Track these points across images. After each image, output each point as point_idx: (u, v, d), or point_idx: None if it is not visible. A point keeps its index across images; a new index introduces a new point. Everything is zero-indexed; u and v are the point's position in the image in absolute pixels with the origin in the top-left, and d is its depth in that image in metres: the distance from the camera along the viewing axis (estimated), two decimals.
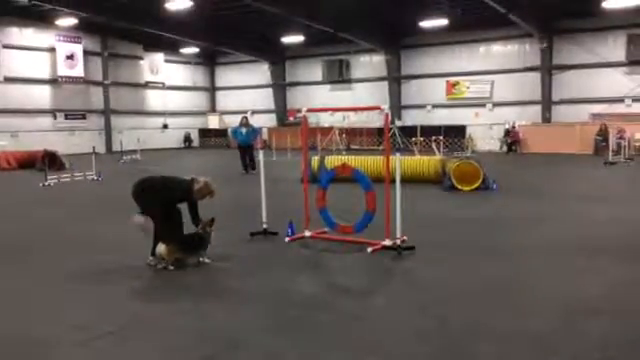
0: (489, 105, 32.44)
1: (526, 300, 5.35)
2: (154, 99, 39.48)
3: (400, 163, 7.42)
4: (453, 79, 33.21)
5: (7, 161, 22.45)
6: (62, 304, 5.40)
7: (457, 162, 13.73)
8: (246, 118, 19.44)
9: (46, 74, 33.36)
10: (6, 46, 31.13)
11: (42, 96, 33.34)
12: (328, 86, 37.43)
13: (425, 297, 5.41)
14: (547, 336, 4.42)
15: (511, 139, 29.62)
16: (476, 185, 13.01)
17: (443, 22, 28.58)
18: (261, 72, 39.85)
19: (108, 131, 36.31)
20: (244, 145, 18.59)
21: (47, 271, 6.43)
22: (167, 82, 39.67)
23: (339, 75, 36.52)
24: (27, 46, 32.37)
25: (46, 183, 15.76)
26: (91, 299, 5.54)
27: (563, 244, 7.56)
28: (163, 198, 6.57)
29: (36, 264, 6.69)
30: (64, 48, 33.70)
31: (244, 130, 18.68)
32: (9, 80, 31.23)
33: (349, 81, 36.72)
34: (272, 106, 39.87)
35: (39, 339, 4.49)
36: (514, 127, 29.93)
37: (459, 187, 13.00)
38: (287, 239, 7.82)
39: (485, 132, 31.74)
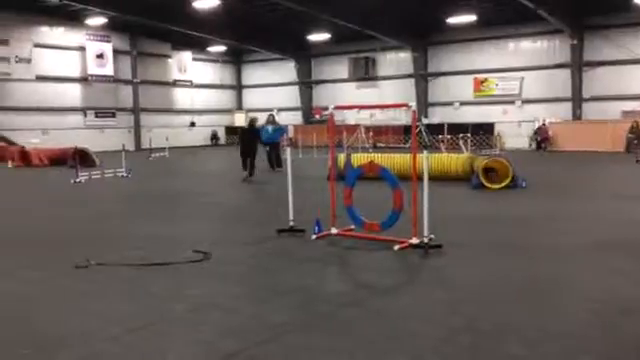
0: (518, 102, 32.02)
1: (558, 299, 5.26)
2: (182, 97, 39.91)
3: (427, 161, 7.35)
4: (481, 76, 32.86)
5: (39, 158, 22.92)
6: (94, 298, 5.49)
7: (485, 160, 13.58)
8: (272, 116, 19.50)
9: (76, 73, 33.97)
10: (37, 45, 31.78)
11: (73, 94, 33.97)
12: (354, 84, 37.36)
13: (453, 295, 5.36)
14: (580, 336, 4.34)
15: (541, 137, 29.18)
16: (505, 183, 12.84)
17: (471, 18, 28.28)
18: (287, 70, 39.95)
19: (137, 129, 36.83)
20: (270, 143, 18.65)
21: (78, 265, 6.53)
22: (195, 80, 40.06)
23: (365, 72, 36.41)
24: (58, 45, 33.01)
25: (77, 180, 16.04)
26: (123, 294, 5.62)
27: (595, 243, 7.41)
28: None
29: (68, 259, 6.81)
30: (94, 47, 34.27)
31: (270, 128, 18.74)
32: (41, 78, 31.89)
33: (375, 78, 36.59)
34: (298, 104, 39.96)
35: (70, 333, 4.56)
36: (544, 124, 29.48)
37: (488, 185, 12.85)
38: (314, 236, 7.82)
39: (514, 129, 31.33)
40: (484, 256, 6.87)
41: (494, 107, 32.47)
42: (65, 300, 5.44)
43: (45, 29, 32.60)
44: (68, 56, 33.52)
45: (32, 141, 27.88)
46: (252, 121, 17.36)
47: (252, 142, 16.35)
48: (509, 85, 32.23)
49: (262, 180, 16.34)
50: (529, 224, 9.00)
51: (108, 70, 35.05)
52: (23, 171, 21.16)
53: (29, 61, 31.30)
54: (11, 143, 27.68)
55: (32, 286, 5.92)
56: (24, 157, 23.02)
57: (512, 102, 32.16)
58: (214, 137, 41.24)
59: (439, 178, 13.31)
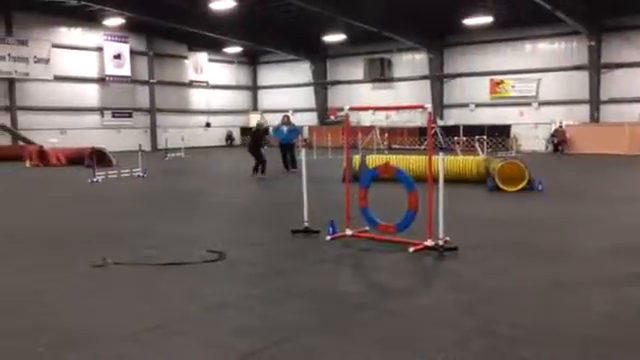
0: (535, 104, 31.77)
1: (574, 302, 5.21)
2: (198, 98, 40.13)
3: (443, 163, 7.32)
4: (497, 77, 32.65)
5: (57, 157, 23.16)
6: (110, 297, 5.53)
7: (501, 162, 13.49)
8: (287, 117, 19.54)
9: (94, 73, 34.30)
10: (56, 46, 32.15)
11: (90, 94, 34.31)
12: (369, 85, 37.31)
13: (469, 298, 5.33)
14: (596, 340, 4.30)
15: (558, 139, 28.93)
16: (521, 186, 12.75)
17: (488, 20, 28.12)
18: (303, 71, 40.02)
19: (153, 129, 37.10)
20: (285, 143, 18.69)
21: (95, 264, 6.59)
22: (210, 81, 40.26)
23: (381, 74, 36.33)
24: (76, 45, 33.36)
25: (94, 179, 16.19)
26: (139, 293, 5.66)
27: (612, 246, 7.33)
28: None
29: (85, 257, 6.88)
30: (111, 48, 34.58)
31: (285, 129, 18.79)
32: (59, 79, 32.25)
33: (391, 80, 36.50)
34: (313, 105, 40.00)
35: (86, 331, 4.60)
36: (561, 127, 29.22)
37: (504, 188, 12.76)
38: (328, 237, 7.82)
39: (530, 132, 31.09)
40: (500, 259, 6.83)
41: (510, 109, 32.24)
42: (81, 299, 5.50)
43: (63, 30, 32.97)
44: (86, 57, 33.86)
45: (50, 141, 28.17)
46: (259, 125, 18.29)
47: (257, 144, 17.27)
48: (526, 87, 31.99)
49: (277, 181, 16.38)
50: (545, 227, 8.93)
51: (125, 71, 35.34)
52: (41, 170, 21.40)
53: (47, 61, 31.68)
54: (29, 142, 28.03)
55: (49, 284, 5.98)
56: (42, 156, 23.28)
57: (529, 104, 31.91)
58: (229, 138, 41.40)
59: (454, 180, 13.25)
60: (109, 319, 4.88)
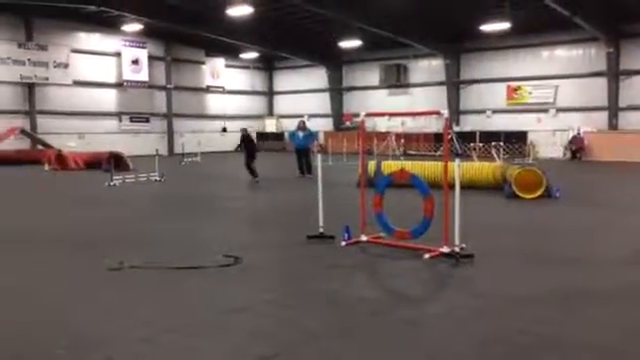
0: (552, 111, 31.49)
1: (592, 311, 5.15)
2: (214, 103, 40.36)
3: (459, 169, 7.28)
4: (515, 84, 32.44)
5: (75, 161, 23.41)
6: (126, 300, 5.58)
7: (519, 169, 13.39)
8: (303, 122, 19.60)
9: (112, 78, 34.64)
10: (75, 51, 32.54)
11: (108, 99, 34.65)
12: (385, 91, 37.27)
13: (485, 305, 5.29)
14: (615, 349, 4.25)
15: (575, 146, 28.65)
16: (538, 193, 12.64)
17: (505, 26, 27.95)
18: (318, 76, 40.09)
19: (170, 134, 37.36)
20: (301, 148, 18.73)
21: (112, 267, 6.65)
22: (227, 86, 40.47)
23: (397, 79, 36.26)
24: (94, 51, 33.73)
25: (111, 183, 16.35)
26: (155, 296, 5.70)
27: (632, 255, 7.24)
28: None
29: (102, 260, 6.94)
30: (129, 53, 34.92)
31: (301, 134, 18.84)
32: (77, 84, 32.62)
33: (407, 86, 36.43)
34: (329, 110, 40.02)
35: (103, 333, 4.65)
36: (579, 134, 28.93)
37: (521, 195, 12.66)
38: (343, 243, 7.82)
39: (548, 138, 30.81)
40: (517, 267, 6.77)
41: (527, 115, 32.00)
42: (99, 301, 5.55)
43: (82, 35, 33.37)
44: (104, 62, 34.22)
45: (68, 144, 28.53)
46: (244, 131, 19.12)
47: (248, 149, 18.08)
48: (543, 93, 31.74)
49: (292, 186, 16.42)
50: (563, 235, 8.84)
51: (143, 76, 35.66)
52: (59, 174, 21.64)
53: (66, 66, 32.08)
54: (48, 146, 28.37)
55: (67, 287, 6.05)
56: (60, 160, 23.54)
57: (546, 110, 31.65)
58: None
59: (470, 187, 13.18)
60: (126, 322, 4.92)
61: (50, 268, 6.86)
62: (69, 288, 6.00)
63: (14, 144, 28.52)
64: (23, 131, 29.44)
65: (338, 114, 39.63)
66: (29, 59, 30.64)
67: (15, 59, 30.14)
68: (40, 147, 29.23)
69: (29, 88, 31.17)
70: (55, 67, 31.60)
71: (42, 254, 7.67)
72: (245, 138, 18.42)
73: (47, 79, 31.46)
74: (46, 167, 23.43)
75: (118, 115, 35.11)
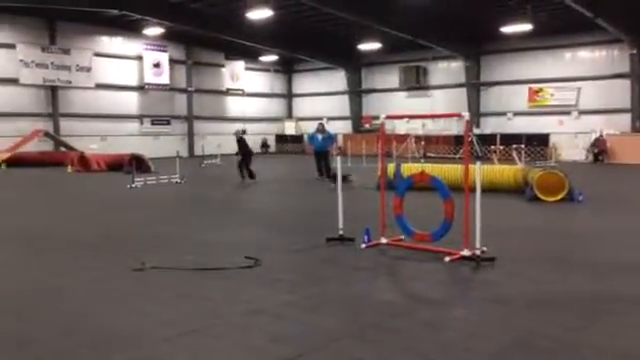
0: (574, 113, 31.15)
1: (617, 317, 5.08)
2: (234, 105, 40.62)
3: (480, 172, 7.24)
4: (536, 86, 32.15)
5: (97, 163, 23.72)
6: (148, 300, 5.64)
7: (540, 172, 13.26)
8: (322, 125, 19.58)
9: (134, 81, 35.05)
10: (97, 54, 33.01)
11: (130, 102, 35.06)
12: (404, 93, 37.19)
13: (507, 310, 5.25)
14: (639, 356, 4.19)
15: (598, 149, 28.28)
16: (561, 196, 12.50)
17: (526, 27, 27.71)
18: (337, 79, 40.13)
19: (191, 136, 37.67)
20: (320, 151, 18.74)
21: (134, 267, 6.73)
22: (246, 89, 40.71)
23: (416, 82, 36.16)
24: (116, 54, 34.19)
25: (133, 185, 16.53)
26: (176, 297, 5.75)
27: None
28: None
29: (124, 261, 7.02)
30: (151, 56, 35.31)
31: (320, 136, 18.85)
32: (100, 87, 33.08)
33: (426, 88, 36.32)
34: (348, 113, 40.04)
35: (125, 333, 4.70)
36: (601, 136, 28.55)
37: (542, 198, 12.54)
38: (363, 245, 7.81)
39: (570, 141, 30.47)
40: (538, 271, 6.70)
41: (549, 118, 31.69)
42: (121, 301, 5.61)
43: (105, 39, 33.82)
44: (126, 65, 34.65)
45: (91, 147, 28.91)
46: (236, 132, 19.31)
47: (242, 150, 18.51)
48: (565, 95, 31.41)
49: (311, 188, 16.44)
50: (586, 239, 8.74)
51: (164, 79, 36.03)
52: (82, 176, 21.94)
53: (89, 70, 32.54)
54: (71, 148, 28.78)
55: (90, 287, 6.13)
56: (83, 162, 23.87)
57: (568, 113, 31.31)
58: (264, 145, 41.74)
59: (491, 189, 13.08)
60: (147, 322, 4.97)
61: (73, 268, 6.95)
62: (92, 288, 6.08)
63: (38, 146, 29.02)
64: (47, 133, 29.92)
65: (357, 116, 39.61)
66: (52, 62, 31.15)
67: (39, 62, 30.65)
68: (63, 149, 29.67)
69: (52, 91, 31.68)
70: (78, 70, 32.07)
71: (64, 255, 7.78)
72: (240, 141, 18.77)
73: (70, 82, 31.93)
74: (69, 169, 23.78)
75: (139, 118, 35.50)
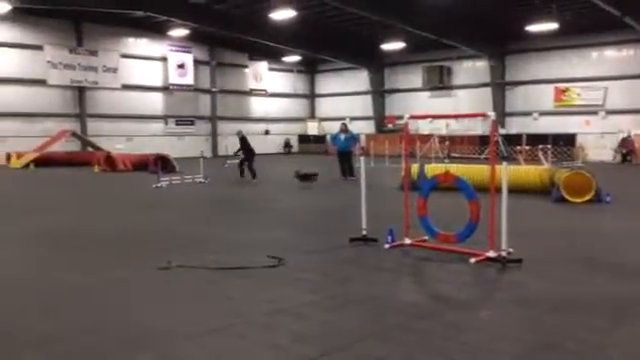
0: (602, 113, 30.64)
1: None
2: (257, 106, 40.82)
3: (506, 172, 7.15)
4: (562, 85, 31.70)
5: (123, 163, 24.03)
6: (174, 299, 5.69)
7: (567, 172, 13.06)
8: (345, 125, 19.56)
9: (159, 82, 35.44)
10: (123, 55, 33.45)
11: (155, 102, 35.48)
12: (427, 93, 36.97)
13: (534, 312, 5.17)
14: None
15: (626, 149, 27.77)
16: (588, 197, 12.30)
17: (552, 26, 27.35)
18: (360, 79, 40.06)
19: (214, 136, 37.96)
20: (343, 151, 18.72)
21: (160, 266, 6.79)
22: (270, 89, 40.87)
23: (440, 81, 35.93)
24: (142, 55, 34.61)
25: (158, 185, 16.71)
26: (201, 296, 5.79)
27: None
28: None
29: (150, 260, 7.09)
30: (175, 57, 35.67)
31: (343, 136, 18.83)
32: (126, 87, 33.51)
33: (450, 87, 36.05)
34: (370, 113, 39.95)
35: (151, 331, 4.75)
36: (629, 136, 28.03)
37: (569, 199, 12.35)
38: (387, 246, 7.78)
39: (597, 141, 29.98)
40: (566, 273, 6.60)
41: (576, 118, 31.22)
42: (147, 300, 5.67)
43: (131, 40, 34.26)
44: (151, 66, 35.05)
45: (117, 147, 29.30)
46: (238, 132, 19.41)
47: (244, 150, 18.77)
48: (592, 95, 30.91)
49: (334, 188, 16.44)
50: (613, 241, 8.58)
51: (188, 80, 36.36)
52: (108, 175, 22.25)
53: (115, 71, 32.99)
54: (98, 148, 29.20)
55: (116, 285, 6.21)
56: (109, 162, 24.21)
57: (595, 113, 30.80)
58: (287, 145, 41.86)
59: (516, 190, 12.91)
60: (172, 320, 5.02)
61: (99, 266, 7.04)
62: (118, 286, 6.15)
63: (65, 146, 29.51)
64: (74, 134, 30.40)
65: (380, 116, 39.50)
66: (79, 64, 31.65)
67: (66, 64, 31.19)
68: (90, 149, 30.12)
69: (79, 92, 32.18)
70: (104, 71, 32.54)
71: (91, 253, 7.89)
72: (242, 141, 18.89)
73: (97, 83, 32.41)
74: (96, 169, 24.13)
75: (164, 118, 35.89)
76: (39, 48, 30.31)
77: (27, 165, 26.09)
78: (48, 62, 30.57)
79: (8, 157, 27.45)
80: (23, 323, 5.00)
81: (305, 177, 17.03)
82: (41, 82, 30.40)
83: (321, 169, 23.76)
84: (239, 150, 18.91)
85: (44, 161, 26.28)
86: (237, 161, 19.24)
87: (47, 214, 11.82)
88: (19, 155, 26.97)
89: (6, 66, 29.46)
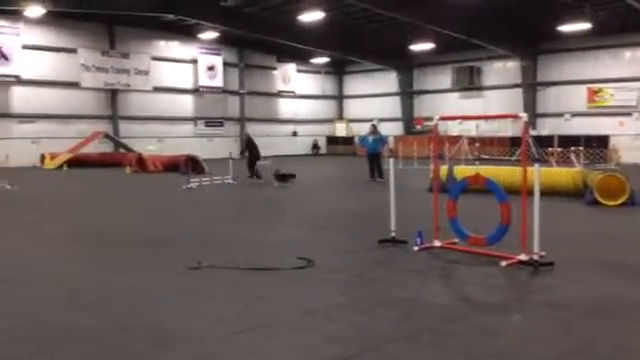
0: (636, 114, 29.97)
1: None
2: (285, 107, 41.00)
3: (539, 174, 7.05)
4: (595, 86, 31.10)
5: (154, 164, 24.37)
6: (204, 298, 5.75)
7: (601, 175, 12.81)
8: (374, 126, 19.48)
9: (189, 84, 35.86)
10: (154, 58, 33.94)
11: (185, 105, 35.91)
12: (457, 94, 36.65)
13: (567, 316, 5.10)
14: None
15: None
16: (621, 200, 12.05)
17: (585, 26, 26.86)
18: (389, 80, 39.92)
19: (243, 137, 38.17)
20: (371, 153, 18.66)
21: (191, 266, 6.87)
22: (298, 91, 41.00)
23: (469, 82, 35.58)
24: (173, 58, 35.08)
25: (188, 185, 16.91)
26: (232, 296, 5.84)
27: None
28: None
29: (181, 259, 7.18)
30: (205, 60, 36.05)
31: (371, 138, 18.79)
32: (157, 90, 33.98)
33: (480, 88, 35.68)
34: (399, 114, 39.77)
35: (183, 330, 4.81)
36: None
37: (602, 202, 12.11)
38: (416, 248, 7.74)
39: (631, 143, 29.31)
40: (599, 277, 6.48)
41: (609, 119, 30.58)
42: (178, 299, 5.75)
43: (162, 43, 34.74)
44: (182, 68, 35.50)
45: (148, 148, 29.74)
46: (244, 134, 20.45)
47: (251, 152, 19.45)
48: (626, 96, 30.24)
49: (362, 190, 16.42)
50: None
51: (218, 82, 36.72)
52: (140, 176, 22.59)
53: (147, 73, 33.50)
54: (129, 150, 29.68)
55: (148, 284, 6.31)
56: (141, 163, 24.58)
57: (629, 114, 30.13)
58: (315, 147, 41.93)
59: (548, 192, 12.71)
60: (203, 319, 5.08)
61: (131, 266, 7.17)
62: (149, 285, 6.25)
63: (97, 147, 30.07)
64: (106, 135, 30.95)
65: (408, 118, 39.29)
66: (112, 66, 32.22)
67: (99, 66, 31.78)
68: (122, 150, 30.63)
69: (112, 94, 32.74)
70: (136, 74, 33.06)
71: (123, 253, 8.03)
72: (248, 141, 19.34)
73: (129, 85, 32.95)
74: (127, 169, 24.51)
75: (194, 120, 36.29)
76: (73, 51, 30.94)
77: (60, 166, 26.66)
78: (81, 65, 31.19)
79: (42, 158, 28.09)
80: (56, 320, 5.12)
81: (282, 177, 17.57)
82: (75, 84, 31.03)
83: (349, 171, 23.79)
84: (244, 150, 19.40)
85: (77, 162, 26.83)
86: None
87: (80, 214, 12.06)
88: (53, 156, 27.58)
89: (41, 69, 30.13)
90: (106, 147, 31.34)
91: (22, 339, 4.65)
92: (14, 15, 27.62)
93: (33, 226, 10.48)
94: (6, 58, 28.73)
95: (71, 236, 9.35)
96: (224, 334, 4.69)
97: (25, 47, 29.37)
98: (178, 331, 4.80)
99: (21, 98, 29.81)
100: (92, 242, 8.83)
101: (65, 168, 26.40)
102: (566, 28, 27.76)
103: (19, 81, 29.41)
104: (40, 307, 5.52)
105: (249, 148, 19.33)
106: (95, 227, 10.23)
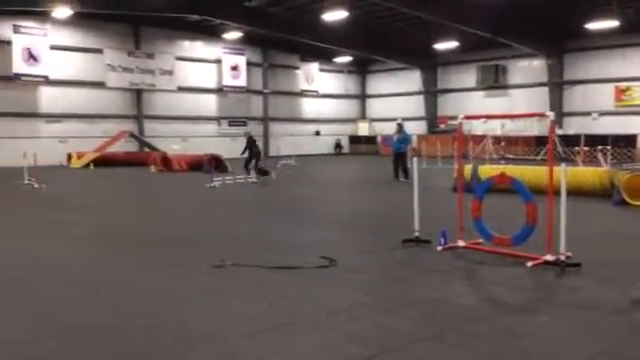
0: None
1: None
2: (308, 107, 41.05)
3: (565, 174, 6.95)
4: (623, 84, 30.54)
5: (178, 163, 24.62)
6: (229, 296, 5.79)
7: (629, 174, 12.58)
8: (400, 125, 19.31)
9: (213, 84, 36.12)
10: (179, 58, 34.26)
11: (209, 104, 36.17)
12: (481, 92, 36.32)
13: (594, 317, 5.02)
14: None
15: None
16: None
17: (613, 24, 26.38)
18: (412, 79, 39.72)
19: (266, 137, 38.37)
20: (396, 152, 18.55)
21: (215, 264, 6.93)
22: (320, 90, 41.02)
23: (494, 81, 35.23)
24: (197, 58, 35.36)
25: (212, 184, 17.03)
26: (256, 294, 5.87)
27: None
28: None
29: (205, 258, 7.24)
30: (229, 60, 36.27)
31: (395, 137, 18.69)
32: (182, 89, 34.29)
33: (505, 87, 35.30)
34: (422, 113, 39.54)
35: (208, 327, 4.86)
36: None
37: (630, 202, 11.89)
38: (439, 248, 7.69)
39: None
40: (627, 278, 6.36)
41: (637, 118, 30.00)
42: (202, 297, 5.80)
43: (186, 43, 35.05)
44: (206, 68, 35.77)
45: (173, 147, 30.02)
46: (246, 133, 20.61)
47: (253, 152, 19.41)
48: None
49: (386, 189, 16.37)
50: None
51: (241, 81, 36.92)
52: (164, 175, 22.82)
53: (171, 73, 33.83)
54: (154, 149, 30.01)
55: (173, 282, 6.37)
56: (165, 162, 24.84)
57: None
58: (338, 146, 41.91)
59: (574, 192, 12.52)
60: (227, 317, 5.12)
61: (156, 264, 7.24)
62: (174, 283, 6.31)
63: (124, 146, 30.46)
64: (132, 134, 31.33)
65: (432, 117, 39.04)
66: (137, 67, 32.62)
67: (125, 67, 32.19)
68: (147, 149, 30.98)
69: (137, 94, 33.14)
70: (161, 74, 33.41)
71: (148, 251, 8.12)
72: (250, 141, 19.46)
73: (153, 85, 33.32)
74: (152, 168, 24.79)
75: (217, 119, 36.54)
76: (99, 51, 31.38)
77: (87, 165, 27.06)
78: (108, 65, 31.62)
79: (69, 157, 28.55)
80: (80, 318, 5.19)
81: (262, 172, 18.58)
82: (101, 84, 31.48)
83: (372, 170, 23.72)
84: (245, 150, 19.46)
85: (103, 161, 27.20)
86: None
87: (105, 213, 12.23)
88: (79, 155, 28.01)
89: (69, 69, 30.63)
90: (131, 146, 31.71)
91: (46, 337, 4.71)
92: (42, 16, 28.13)
93: (58, 225, 10.66)
94: (35, 59, 29.27)
95: (96, 235, 9.48)
96: (249, 332, 4.72)
97: (53, 48, 29.89)
98: (202, 328, 4.84)
99: (49, 98, 30.34)
100: (117, 240, 8.94)
101: (91, 167, 26.79)
102: (593, 26, 27.31)
103: (47, 81, 29.94)
104: (64, 305, 5.60)
105: (250, 147, 19.37)
106: (120, 226, 10.37)
